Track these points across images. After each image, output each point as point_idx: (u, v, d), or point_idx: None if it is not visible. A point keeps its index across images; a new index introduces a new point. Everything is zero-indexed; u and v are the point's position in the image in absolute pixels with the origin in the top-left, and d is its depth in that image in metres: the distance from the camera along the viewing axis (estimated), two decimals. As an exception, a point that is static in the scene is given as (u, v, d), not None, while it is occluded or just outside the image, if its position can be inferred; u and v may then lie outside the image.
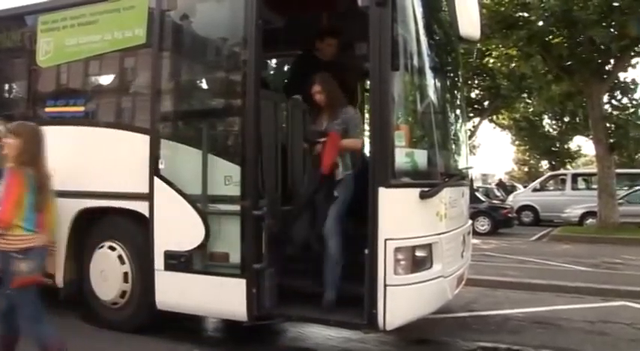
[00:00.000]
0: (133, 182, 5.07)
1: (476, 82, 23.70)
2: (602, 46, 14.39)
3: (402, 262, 4.31)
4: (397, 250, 4.27)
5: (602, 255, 11.43)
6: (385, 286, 4.24)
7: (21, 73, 6.23)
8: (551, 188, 21.31)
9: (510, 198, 22.09)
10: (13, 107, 6.31)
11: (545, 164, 43.19)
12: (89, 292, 5.44)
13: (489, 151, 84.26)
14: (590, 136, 29.06)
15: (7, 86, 6.59)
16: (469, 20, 5.17)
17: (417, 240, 4.41)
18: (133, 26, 5.24)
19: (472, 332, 5.75)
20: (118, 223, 5.35)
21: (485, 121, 29.55)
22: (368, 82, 6.77)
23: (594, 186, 18.06)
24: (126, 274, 5.21)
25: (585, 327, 6.00)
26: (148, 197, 4.99)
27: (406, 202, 4.39)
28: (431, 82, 5.06)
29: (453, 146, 5.66)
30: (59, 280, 5.55)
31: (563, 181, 20.76)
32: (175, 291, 4.91)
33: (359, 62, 6.04)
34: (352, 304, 4.50)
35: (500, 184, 27.45)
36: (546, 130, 35.67)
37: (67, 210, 5.42)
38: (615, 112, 16.75)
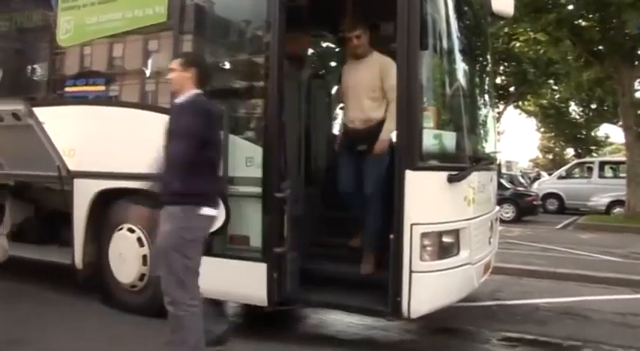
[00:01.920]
0: (152, 163, 4.95)
1: (502, 67, 23.33)
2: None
3: (429, 248, 4.17)
4: (424, 235, 4.12)
5: (631, 245, 11.13)
6: (411, 272, 4.10)
7: (41, 52, 6.15)
8: (577, 176, 20.88)
9: (535, 185, 21.72)
10: (34, 87, 6.22)
11: (570, 152, 42.61)
12: (108, 275, 5.37)
13: (514, 137, 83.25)
14: (619, 124, 28.62)
15: (27, 66, 6.51)
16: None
17: (444, 225, 4.26)
18: (154, 4, 5.12)
19: (498, 322, 5.58)
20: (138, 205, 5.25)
21: (511, 107, 29.22)
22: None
23: (622, 174, 17.66)
24: (145, 256, 5.12)
25: (615, 319, 5.79)
26: (168, 178, 4.87)
27: (433, 185, 4.24)
28: (460, 63, 4.89)
29: (482, 130, 5.48)
30: (78, 262, 5.50)
31: (590, 169, 20.31)
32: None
33: (384, 43, 5.86)
34: (375, 290, 4.38)
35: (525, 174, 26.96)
36: (572, 117, 35.12)
37: (86, 191, 5.37)
38: (646, 99, 16.33)
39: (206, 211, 3.63)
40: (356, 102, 4.90)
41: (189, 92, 3.81)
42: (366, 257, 4.71)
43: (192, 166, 3.55)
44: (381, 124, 4.75)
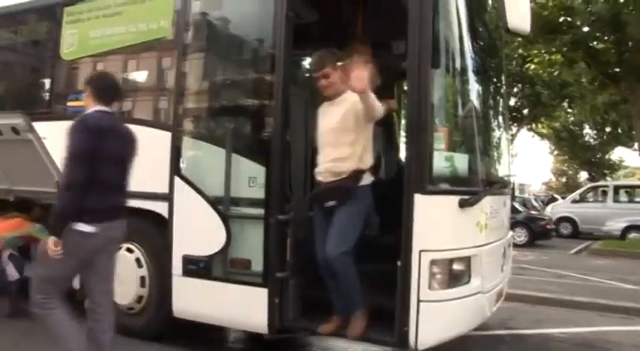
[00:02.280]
0: (153, 181, 4.80)
1: (515, 89, 23.16)
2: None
3: (438, 276, 3.95)
4: (433, 262, 3.91)
5: (648, 272, 10.81)
6: (419, 301, 3.89)
7: (44, 66, 6.06)
8: (592, 200, 20.54)
9: (549, 209, 21.38)
10: (35, 101, 6.11)
11: (583, 175, 42.18)
12: (105, 296, 5.18)
13: (527, 160, 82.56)
14: (634, 147, 28.25)
15: (29, 79, 6.42)
16: (517, 11, 4.79)
17: (454, 252, 4.04)
18: (158, 18, 5.01)
19: (510, 353, 5.34)
20: (137, 224, 5.09)
21: (524, 130, 28.99)
22: (405, 84, 6.57)
23: (638, 199, 17.33)
24: (143, 278, 4.95)
25: (636, 353, 5.53)
26: (168, 197, 4.73)
27: (444, 210, 4.03)
28: (473, 83, 4.69)
29: (495, 152, 5.28)
30: (75, 283, 5.32)
31: (605, 193, 19.95)
32: (193, 298, 4.63)
33: (396, 62, 5.71)
34: (382, 319, 4.15)
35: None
36: (586, 140, 34.83)
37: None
38: (662, 123, 16.00)
39: (80, 226, 3.51)
40: (327, 150, 4.22)
41: (90, 110, 3.73)
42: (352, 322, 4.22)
43: (74, 184, 3.46)
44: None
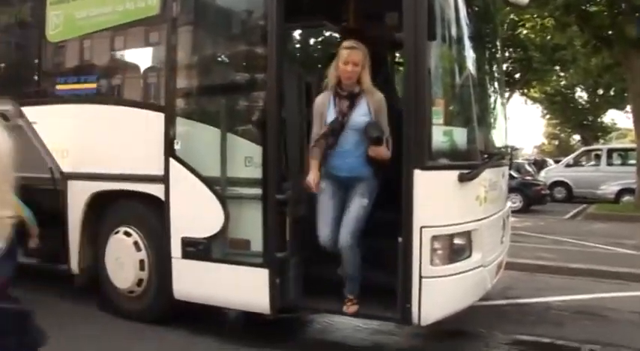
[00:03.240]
0: (148, 164, 4.73)
1: (507, 54, 23.01)
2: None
3: (439, 252, 3.94)
4: (434, 238, 3.89)
5: (643, 236, 10.87)
6: (421, 277, 3.88)
7: (30, 49, 5.91)
8: (585, 164, 20.60)
9: (542, 174, 21.44)
10: (22, 85, 5.97)
11: (576, 138, 42.25)
12: (105, 280, 5.16)
13: (519, 124, 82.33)
14: (626, 110, 28.25)
15: (15, 63, 6.28)
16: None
17: (455, 227, 4.02)
18: (146, -5, 4.87)
19: (511, 323, 5.35)
20: (134, 208, 5.04)
21: (516, 95, 28.90)
22: (398, 55, 6.47)
23: (631, 161, 17.33)
24: (142, 261, 4.91)
25: (633, 319, 5.54)
26: (163, 180, 4.65)
27: (444, 185, 4.01)
28: (470, 54, 4.62)
29: (493, 124, 5.23)
30: (74, 267, 5.30)
31: (598, 157, 20.02)
32: (193, 280, 4.60)
33: (388, 33, 5.61)
34: (384, 295, 4.14)
35: (536, 163, 26.56)
36: (579, 103, 34.77)
37: (80, 193, 5.16)
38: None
39: None
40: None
41: None
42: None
43: None
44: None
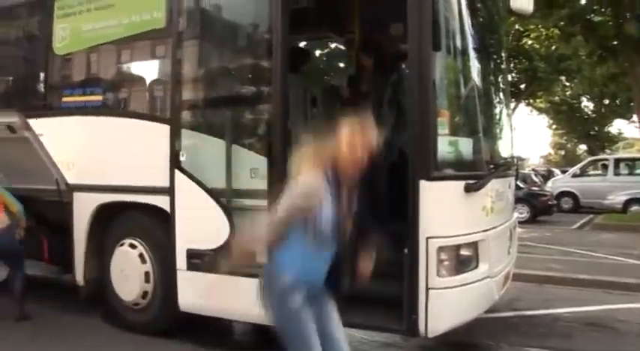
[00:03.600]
0: (153, 175, 4.73)
1: (512, 64, 23.01)
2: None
3: (446, 263, 3.90)
4: (440, 249, 3.86)
5: (651, 246, 10.78)
6: (427, 289, 3.85)
7: (37, 61, 5.94)
8: (592, 174, 20.49)
9: (549, 184, 21.34)
10: (30, 97, 6.01)
11: (583, 148, 42.10)
12: (110, 292, 5.16)
13: (525, 134, 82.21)
14: (632, 120, 28.13)
15: (22, 76, 6.31)
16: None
17: (461, 238, 3.99)
18: (151, 8, 4.89)
19: (518, 335, 5.30)
20: (139, 219, 5.04)
21: (522, 105, 28.87)
22: (404, 66, 6.46)
23: (638, 171, 17.27)
24: (147, 273, 4.90)
25: (643, 330, 5.49)
26: (169, 191, 4.65)
27: (450, 196, 3.97)
28: (475, 65, 4.61)
29: (498, 134, 5.21)
30: (79, 279, 5.29)
31: (605, 167, 19.91)
32: (199, 292, 4.57)
33: (394, 44, 5.62)
34: (390, 306, 4.10)
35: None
36: (585, 113, 34.66)
37: (86, 205, 5.17)
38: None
39: None
40: None
41: None
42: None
43: None
44: None
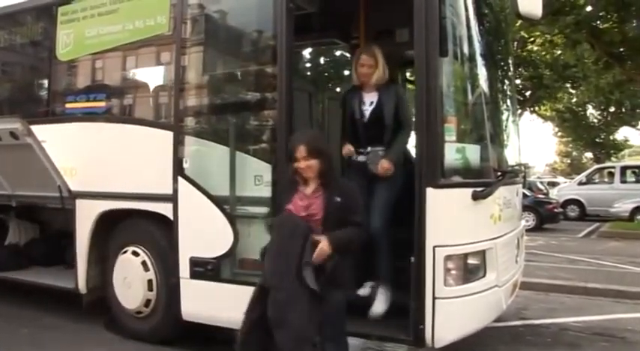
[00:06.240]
0: (156, 182, 4.69)
1: (517, 71, 22.92)
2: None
3: (453, 272, 3.84)
4: (447, 258, 3.79)
5: (659, 254, 10.66)
6: (434, 298, 3.78)
7: (40, 67, 5.92)
8: (598, 181, 20.39)
9: (555, 192, 21.25)
10: (32, 104, 5.98)
11: (588, 156, 41.96)
12: (113, 300, 5.11)
13: (531, 142, 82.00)
14: (638, 127, 28.00)
15: (25, 82, 6.29)
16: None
17: (469, 246, 3.92)
18: (155, 14, 4.86)
19: (526, 345, 5.21)
20: (142, 227, 4.99)
21: (527, 112, 28.72)
22: (408, 73, 6.41)
23: (645, 179, 17.17)
24: (150, 281, 4.85)
25: (654, 340, 5.39)
26: (172, 199, 4.60)
27: (457, 204, 3.90)
28: (482, 70, 4.55)
29: (506, 140, 5.14)
30: (82, 287, 5.24)
31: (611, 174, 19.83)
32: (202, 301, 4.52)
33: (399, 50, 5.56)
34: (397, 316, 4.06)
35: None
36: (590, 120, 34.55)
37: (89, 212, 5.12)
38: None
39: None
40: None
41: None
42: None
43: None
44: None
